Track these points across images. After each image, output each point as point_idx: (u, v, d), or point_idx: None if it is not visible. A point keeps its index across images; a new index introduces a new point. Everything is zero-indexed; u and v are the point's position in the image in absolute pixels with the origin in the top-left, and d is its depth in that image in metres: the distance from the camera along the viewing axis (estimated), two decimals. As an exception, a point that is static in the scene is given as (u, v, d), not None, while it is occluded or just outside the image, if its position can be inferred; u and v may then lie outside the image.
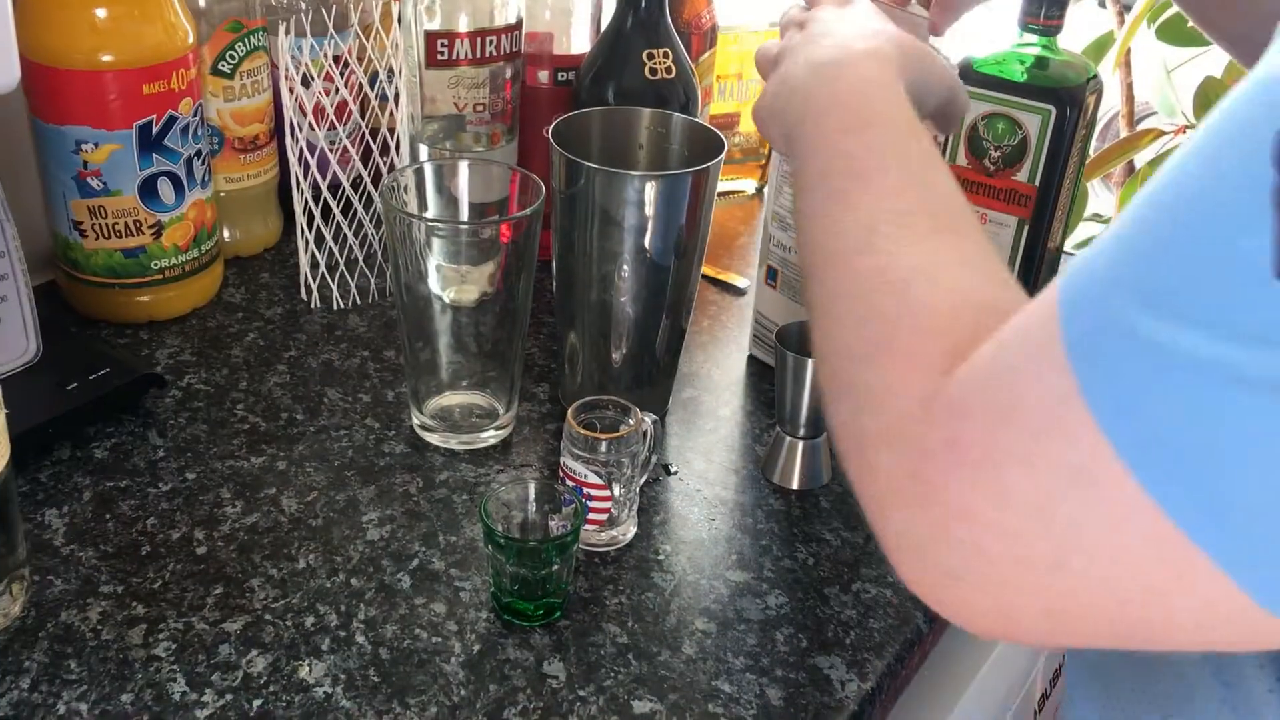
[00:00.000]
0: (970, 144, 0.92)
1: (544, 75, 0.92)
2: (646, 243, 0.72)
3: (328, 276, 0.92)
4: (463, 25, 0.85)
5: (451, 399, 0.79)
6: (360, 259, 0.94)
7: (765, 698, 0.61)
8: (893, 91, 0.55)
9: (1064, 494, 0.34)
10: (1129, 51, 1.66)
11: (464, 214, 0.79)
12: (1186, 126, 1.52)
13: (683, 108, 0.87)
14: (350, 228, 0.92)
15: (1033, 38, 0.89)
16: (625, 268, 0.73)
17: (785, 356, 0.74)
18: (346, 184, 0.91)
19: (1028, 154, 0.92)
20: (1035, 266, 0.93)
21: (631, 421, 0.69)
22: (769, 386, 0.87)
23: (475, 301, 0.76)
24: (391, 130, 0.91)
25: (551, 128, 0.74)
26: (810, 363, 0.73)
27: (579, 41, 0.94)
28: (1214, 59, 1.57)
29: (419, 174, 0.78)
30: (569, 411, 0.68)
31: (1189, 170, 0.33)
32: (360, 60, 0.91)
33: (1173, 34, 1.51)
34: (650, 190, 0.71)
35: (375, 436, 0.78)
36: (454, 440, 0.78)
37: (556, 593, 0.65)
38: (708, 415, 0.84)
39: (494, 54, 0.85)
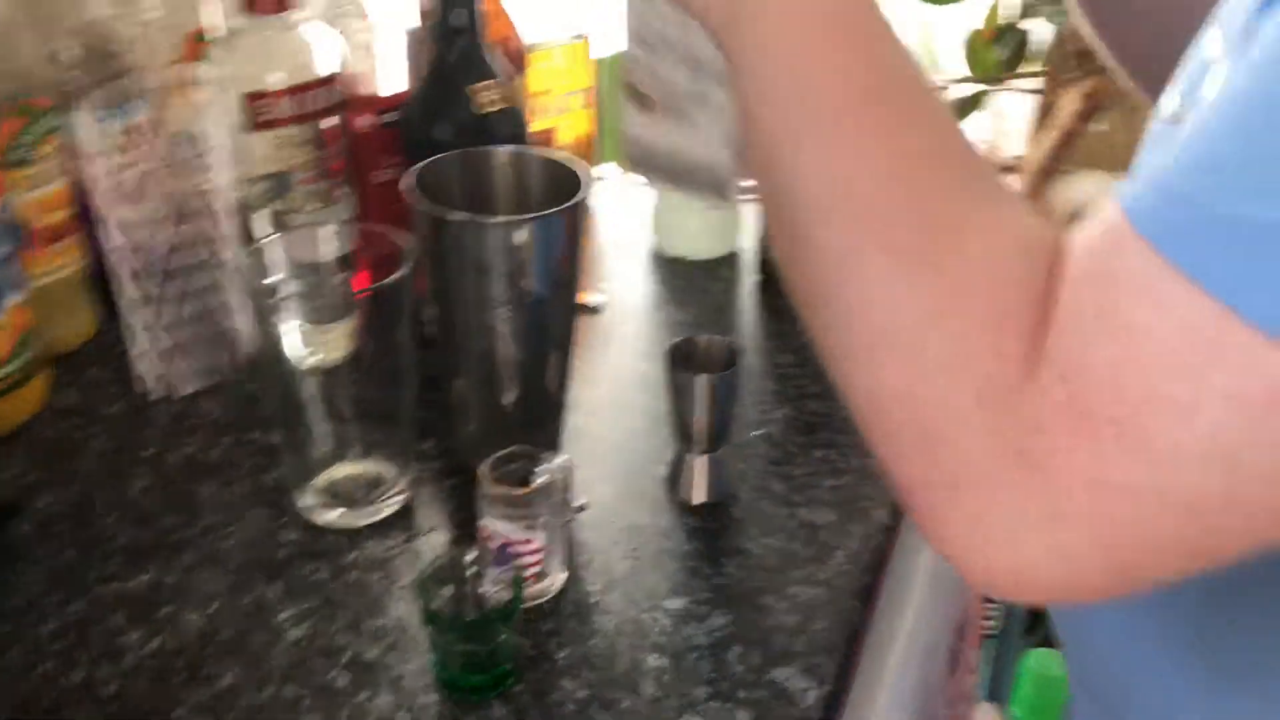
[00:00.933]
0: None
1: (366, 121, 0.89)
2: (525, 285, 0.71)
3: (164, 362, 0.86)
4: (276, 83, 0.80)
5: (339, 472, 0.76)
6: (195, 337, 0.88)
7: (736, 722, 0.61)
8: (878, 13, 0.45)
9: (1234, 422, 0.33)
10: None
11: (317, 273, 0.75)
12: (955, 80, 1.60)
13: (515, 137, 0.85)
14: (179, 305, 0.86)
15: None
16: (507, 312, 0.71)
17: (678, 377, 0.73)
18: (166, 259, 0.85)
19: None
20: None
21: (549, 468, 0.67)
22: (653, 401, 0.87)
23: (340, 360, 0.73)
24: (211, 197, 0.86)
25: (408, 181, 0.71)
26: (704, 379, 0.73)
27: (389, 80, 0.91)
28: (971, 10, 1.66)
29: (259, 246, 0.74)
30: (481, 472, 0.66)
31: (1261, 81, 0.34)
32: (159, 130, 0.85)
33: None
34: (523, 234, 0.69)
35: (265, 528, 0.74)
36: (352, 517, 0.74)
37: (507, 659, 0.63)
38: (600, 441, 0.83)
39: (316, 109, 0.81)
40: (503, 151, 0.76)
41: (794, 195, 0.43)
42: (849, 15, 0.43)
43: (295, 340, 0.70)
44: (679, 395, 0.75)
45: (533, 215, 0.69)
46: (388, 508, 0.75)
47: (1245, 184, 0.33)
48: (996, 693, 1.59)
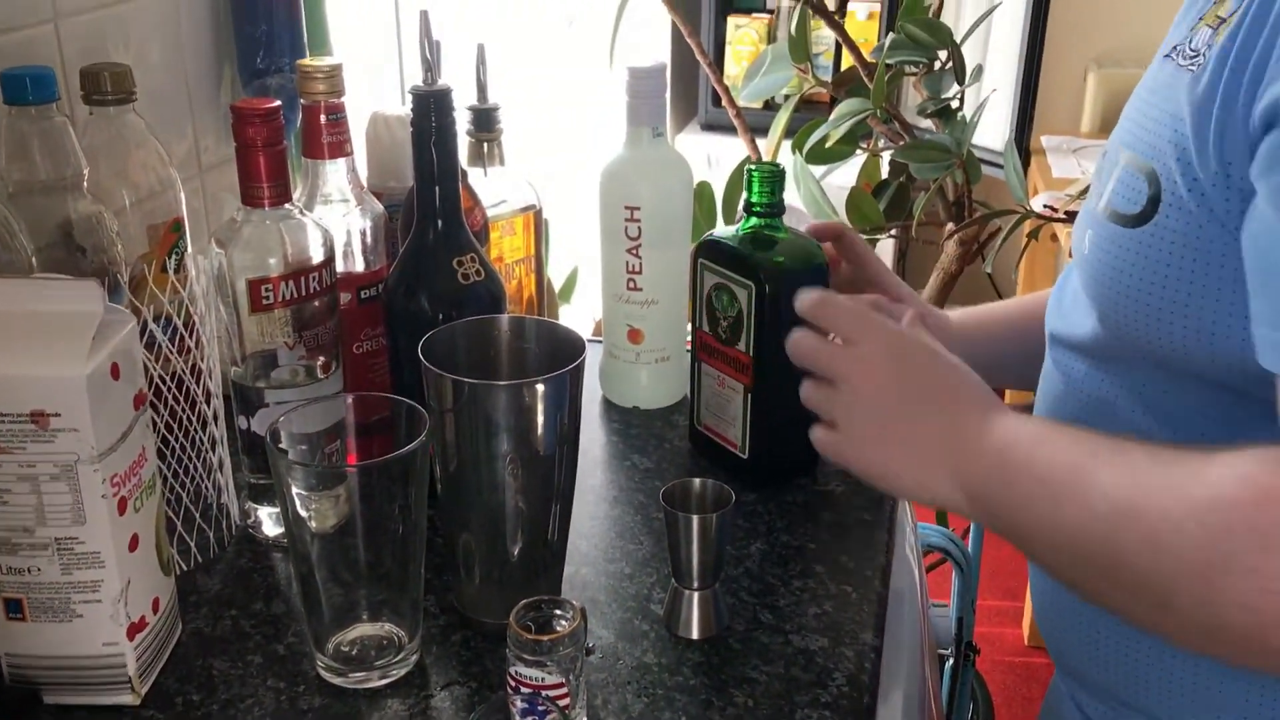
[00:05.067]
0: (707, 311, 0.99)
1: (345, 297, 0.93)
2: (533, 440, 0.76)
3: (154, 540, 0.87)
4: (275, 268, 0.85)
5: (353, 633, 0.78)
6: (184, 514, 0.90)
7: (776, 841, 0.65)
8: (1017, 418, 0.72)
9: None
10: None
11: (313, 443, 0.79)
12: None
13: (495, 303, 0.91)
14: (170, 484, 0.88)
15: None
16: (514, 467, 0.76)
17: (676, 517, 0.79)
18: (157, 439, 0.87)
19: (744, 325, 0.96)
20: (763, 432, 0.99)
21: (570, 614, 0.71)
22: (634, 547, 0.91)
23: (342, 525, 0.75)
24: (196, 374, 0.89)
25: (420, 349, 0.76)
26: (701, 519, 0.78)
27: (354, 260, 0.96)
28: (848, 171, 1.81)
29: (275, 423, 0.77)
30: (512, 620, 0.70)
31: None
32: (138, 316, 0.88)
33: (818, 155, 1.71)
34: (536, 393, 0.74)
35: (285, 696, 0.76)
36: (369, 678, 0.76)
37: (554, 801, 0.66)
38: (591, 586, 0.87)
39: (310, 291, 0.86)
40: (504, 319, 0.82)
41: (1048, 551, 0.69)
42: (1026, 441, 0.70)
43: (299, 509, 0.74)
44: (677, 536, 0.80)
45: (542, 377, 0.74)
46: (401, 667, 0.78)
47: None
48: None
